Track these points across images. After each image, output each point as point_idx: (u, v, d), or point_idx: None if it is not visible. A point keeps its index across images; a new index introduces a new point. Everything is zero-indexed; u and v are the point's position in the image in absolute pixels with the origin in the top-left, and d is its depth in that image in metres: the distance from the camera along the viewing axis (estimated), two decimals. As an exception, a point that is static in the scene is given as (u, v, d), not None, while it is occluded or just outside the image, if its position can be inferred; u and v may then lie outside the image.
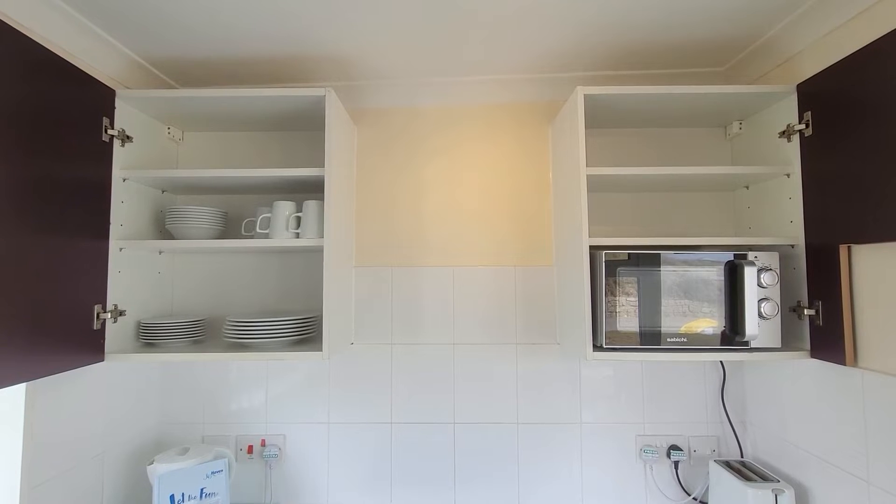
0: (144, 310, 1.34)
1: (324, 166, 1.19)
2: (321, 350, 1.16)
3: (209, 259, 1.50)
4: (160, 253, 1.43)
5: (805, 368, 1.20)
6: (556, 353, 1.46)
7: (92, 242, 1.13)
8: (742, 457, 1.40)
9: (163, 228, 1.38)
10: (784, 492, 1.15)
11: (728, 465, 1.30)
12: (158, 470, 1.18)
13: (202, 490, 1.19)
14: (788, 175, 1.22)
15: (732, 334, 1.14)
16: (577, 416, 1.44)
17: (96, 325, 1.13)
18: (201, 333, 1.34)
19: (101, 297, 1.16)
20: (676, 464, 1.41)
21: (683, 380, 1.44)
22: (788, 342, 1.17)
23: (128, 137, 1.24)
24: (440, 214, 1.51)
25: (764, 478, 1.22)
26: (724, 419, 1.43)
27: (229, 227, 1.41)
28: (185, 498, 1.16)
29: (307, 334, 1.27)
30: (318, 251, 1.21)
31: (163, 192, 1.44)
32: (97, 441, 1.19)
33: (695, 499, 1.41)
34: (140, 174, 1.25)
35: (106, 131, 1.17)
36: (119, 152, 1.22)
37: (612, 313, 1.15)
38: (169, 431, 1.45)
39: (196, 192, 1.49)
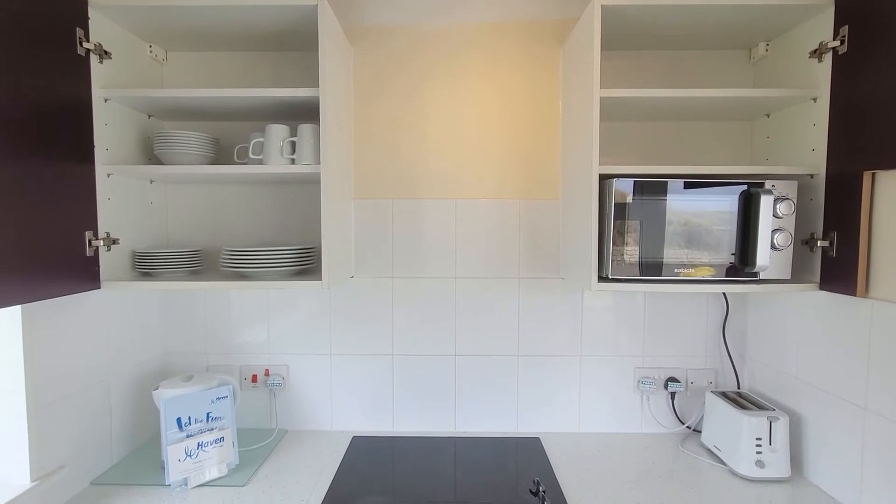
0: (138, 240, 1.31)
1: (317, 85, 1.11)
2: (321, 280, 1.14)
3: (203, 190, 1.44)
4: (151, 182, 1.38)
5: (811, 301, 1.18)
6: (559, 287, 1.45)
7: (77, 167, 1.08)
8: (739, 388, 1.42)
9: (151, 156, 1.32)
10: (779, 419, 1.18)
11: (724, 395, 1.32)
12: (164, 395, 1.19)
13: (208, 414, 1.21)
14: (815, 99, 1.15)
15: (742, 266, 1.11)
16: (577, 349, 1.45)
17: (89, 252, 1.10)
18: (198, 264, 1.32)
19: (92, 224, 1.12)
20: (673, 395, 1.44)
21: (685, 314, 1.44)
22: (797, 275, 1.15)
23: (105, 53, 1.15)
24: (442, 145, 1.44)
25: (759, 406, 1.24)
26: (724, 353, 1.44)
27: (221, 157, 1.34)
28: (192, 421, 1.19)
29: (306, 265, 1.25)
30: (315, 182, 1.16)
31: (149, 116, 1.36)
32: (101, 368, 1.20)
33: (688, 427, 1.45)
34: (122, 93, 1.17)
35: (81, 44, 1.08)
36: (98, 70, 1.13)
37: (619, 243, 1.11)
38: (173, 361, 1.46)
39: (184, 118, 1.41)
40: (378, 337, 1.46)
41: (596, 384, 1.46)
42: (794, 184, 1.11)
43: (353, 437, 1.42)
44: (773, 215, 1.09)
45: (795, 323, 1.23)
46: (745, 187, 1.10)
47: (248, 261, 1.17)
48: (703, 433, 1.36)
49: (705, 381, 1.44)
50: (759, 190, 1.08)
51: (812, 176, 1.14)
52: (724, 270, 1.12)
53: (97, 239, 1.12)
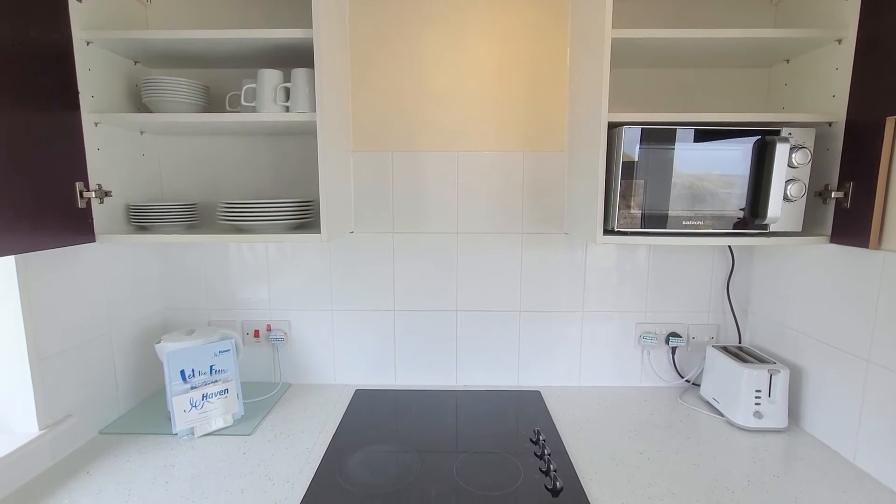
0: (132, 194, 1.27)
1: (311, 27, 1.05)
2: (320, 233, 1.12)
3: (196, 143, 1.40)
4: (141, 133, 1.33)
5: (819, 255, 1.16)
6: (562, 242, 1.42)
7: (62, 115, 1.03)
8: (740, 343, 1.43)
9: (140, 105, 1.26)
10: (780, 372, 1.18)
11: (725, 349, 1.33)
12: (167, 348, 1.20)
13: (211, 367, 1.22)
14: (840, 41, 1.08)
15: (752, 218, 1.08)
16: (579, 305, 1.45)
17: (81, 204, 1.07)
18: (194, 218, 1.29)
19: (82, 175, 1.08)
20: (674, 350, 1.45)
21: (690, 269, 1.42)
22: (808, 228, 1.12)
23: (83, -10, 1.07)
24: (444, 94, 1.37)
25: (760, 360, 1.24)
26: (727, 308, 1.43)
27: (212, 107, 1.29)
28: (195, 374, 1.20)
29: (305, 218, 1.22)
30: (312, 133, 1.11)
31: (135, 63, 1.29)
32: (102, 322, 1.20)
33: (687, 381, 1.46)
34: (105, 34, 1.10)
35: (56, -20, 1.01)
36: (77, 10, 1.06)
37: (626, 195, 1.08)
38: (174, 317, 1.46)
39: (172, 65, 1.34)
40: (379, 292, 1.45)
41: (597, 339, 1.46)
42: (812, 131, 1.06)
43: (356, 391, 1.44)
44: (788, 165, 1.04)
45: (801, 277, 1.22)
46: (759, 136, 1.06)
47: (245, 214, 1.14)
48: (702, 386, 1.38)
49: (706, 337, 1.44)
50: (775, 138, 1.04)
51: (830, 124, 1.09)
52: (733, 223, 1.09)
53: (88, 190, 1.09)
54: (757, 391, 1.18)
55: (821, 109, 1.13)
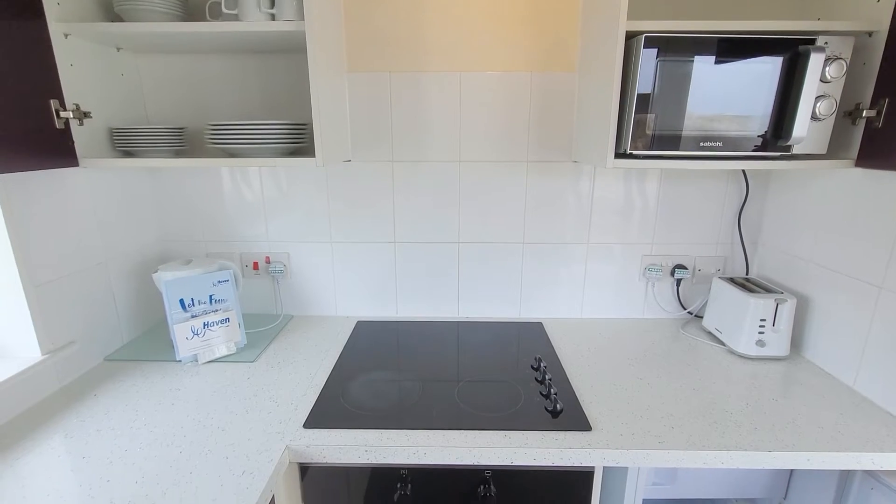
0: (114, 117, 1.20)
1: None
2: (314, 157, 1.05)
3: (179, 63, 1.29)
4: (118, 50, 1.23)
5: (841, 180, 1.10)
6: (570, 172, 1.36)
7: (25, 23, 0.94)
8: (747, 275, 1.40)
9: (114, 17, 1.15)
10: (787, 301, 1.16)
11: (731, 280, 1.30)
12: (164, 277, 1.18)
13: (211, 296, 1.21)
14: (893, -66, 0.95)
15: (774, 139, 1.01)
16: (584, 237, 1.41)
17: (59, 124, 1.00)
18: (182, 143, 1.22)
19: (56, 93, 1.01)
20: (679, 282, 1.43)
21: (701, 199, 1.37)
22: (832, 151, 1.05)
23: None
24: (446, 8, 1.25)
25: (767, 290, 1.22)
26: (736, 240, 1.39)
27: (192, 18, 1.18)
28: (195, 303, 1.19)
29: (298, 143, 1.15)
30: (303, 51, 1.00)
31: (103, -32, 1.17)
32: (96, 251, 1.17)
33: (690, 312, 1.46)
34: (63, -71, 0.98)
35: None
36: None
37: (641, 113, 1.00)
38: (171, 248, 1.44)
39: (145, -28, 1.21)
40: (379, 224, 1.41)
41: (601, 271, 1.44)
42: (851, 41, 0.96)
43: (358, 322, 1.44)
44: (820, 79, 0.96)
45: (819, 204, 1.16)
46: (790, 46, 0.96)
47: (235, 136, 1.07)
48: (704, 318, 1.37)
49: (713, 269, 1.42)
50: (809, 47, 0.94)
51: (871, 34, 0.99)
52: (753, 145, 1.02)
53: (65, 110, 1.02)
54: (762, 320, 1.17)
55: (863, 16, 1.02)
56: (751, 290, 1.22)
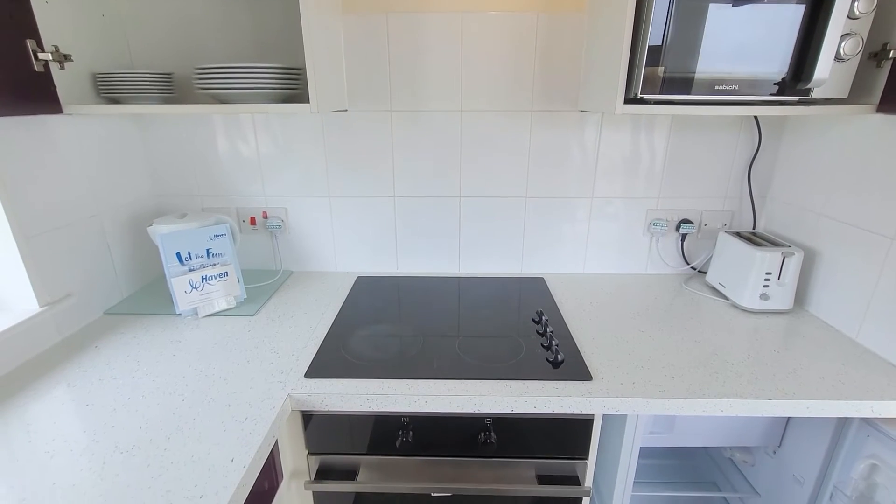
0: (97, 62, 1.14)
1: None
2: (308, 103, 1.01)
3: (165, 6, 1.22)
4: (96, -12, 1.15)
5: (859, 127, 1.05)
6: (575, 122, 1.31)
7: (-8, -48, 0.87)
8: (754, 229, 1.38)
9: (89, -50, 1.07)
10: (794, 254, 1.14)
11: (738, 234, 1.28)
12: (160, 230, 1.16)
13: (208, 250, 1.19)
14: None
15: (794, 81, 0.96)
16: (589, 191, 1.37)
17: (37, 67, 0.95)
18: (170, 90, 1.17)
19: (32, 33, 0.95)
20: (684, 237, 1.40)
21: (711, 150, 1.32)
22: (853, 96, 1.00)
23: None
24: (445, -61, 1.16)
25: (774, 244, 1.20)
26: (744, 194, 1.36)
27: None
28: (192, 256, 1.17)
29: (292, 88, 1.10)
30: None
31: None
32: (88, 203, 1.14)
33: (693, 268, 1.44)
34: None
35: None
36: None
37: (654, 54, 0.94)
38: (166, 202, 1.41)
39: None
40: (378, 178, 1.37)
41: (605, 226, 1.41)
42: (884, -28, 0.89)
43: (358, 277, 1.43)
44: (848, 16, 0.89)
45: (834, 154, 1.12)
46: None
47: (224, 80, 1.02)
48: (708, 273, 1.35)
49: (719, 224, 1.39)
50: (839, -22, 0.87)
51: (906, -35, 0.92)
52: (774, 87, 0.96)
53: (43, 51, 0.96)
54: (767, 273, 1.16)
55: (898, -55, 0.94)
56: (757, 244, 1.20)
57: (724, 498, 1.34)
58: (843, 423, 0.96)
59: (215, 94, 1.04)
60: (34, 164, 1.00)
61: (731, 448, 1.25)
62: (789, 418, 1.07)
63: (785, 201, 1.29)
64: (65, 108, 1.01)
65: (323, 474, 0.97)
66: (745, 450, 1.23)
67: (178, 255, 1.15)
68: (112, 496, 0.64)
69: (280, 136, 1.34)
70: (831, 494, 0.96)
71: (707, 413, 0.86)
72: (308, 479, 0.97)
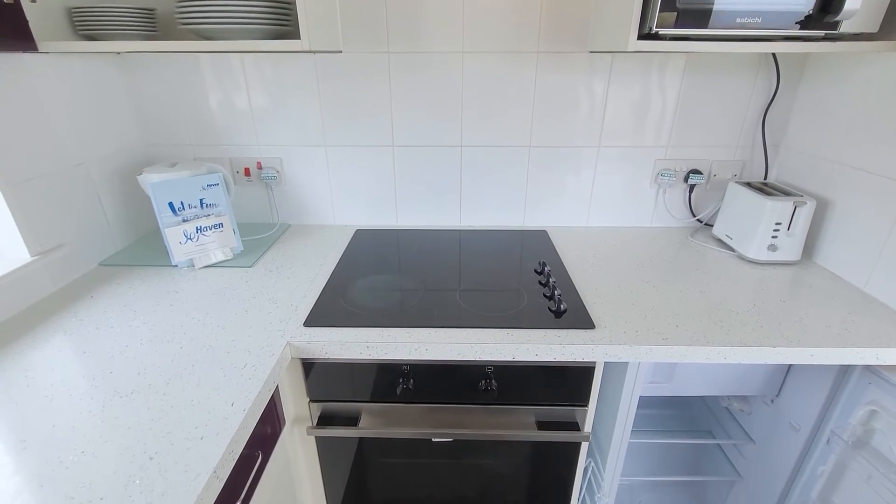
0: (72, -4, 1.06)
1: None
2: (300, 39, 0.94)
3: (139, -68, 1.12)
4: (65, -88, 1.05)
5: (884, 67, 0.99)
6: (584, 65, 1.23)
7: None
8: (765, 179, 1.33)
9: None
10: (806, 203, 1.11)
11: (748, 184, 1.24)
12: (150, 179, 1.12)
13: (202, 201, 1.16)
14: None
15: (822, 14, 0.89)
16: (595, 140, 1.32)
17: (6, -2, 0.88)
18: (152, 27, 1.09)
19: (-3, -42, 0.87)
20: (692, 188, 1.36)
21: (725, 95, 1.26)
22: (883, 31, 0.93)
23: None
24: None
25: (785, 193, 1.16)
26: (757, 142, 1.30)
27: None
28: (185, 206, 1.14)
29: (282, 25, 1.02)
30: None
31: None
32: (73, 151, 1.09)
33: (699, 220, 1.41)
34: None
35: None
36: None
37: (672, -18, 0.87)
38: (155, 152, 1.36)
39: None
40: (375, 125, 1.32)
41: (611, 177, 1.37)
42: None
43: (357, 230, 1.40)
44: (886, -64, 0.82)
45: (856, 97, 1.06)
46: None
47: (209, 13, 0.95)
48: (715, 225, 1.32)
49: (729, 174, 1.34)
50: None
51: None
52: (796, 21, 0.90)
53: (10, -20, 0.89)
54: (777, 224, 1.12)
55: None
56: (768, 194, 1.16)
57: (719, 445, 1.37)
58: (844, 371, 0.96)
59: (199, 31, 0.98)
60: (11, 106, 0.95)
61: (728, 397, 1.27)
62: (790, 368, 1.07)
63: (799, 150, 1.24)
64: (39, 46, 0.95)
65: (325, 420, 0.98)
66: (743, 399, 1.25)
67: (171, 205, 1.12)
68: (113, 437, 0.64)
69: (272, 81, 1.27)
70: (828, 439, 0.97)
71: (710, 361, 0.86)
72: (310, 424, 0.98)
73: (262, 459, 0.81)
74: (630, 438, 1.10)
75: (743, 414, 1.27)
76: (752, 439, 1.23)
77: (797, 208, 1.11)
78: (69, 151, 1.08)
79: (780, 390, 1.12)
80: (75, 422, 0.67)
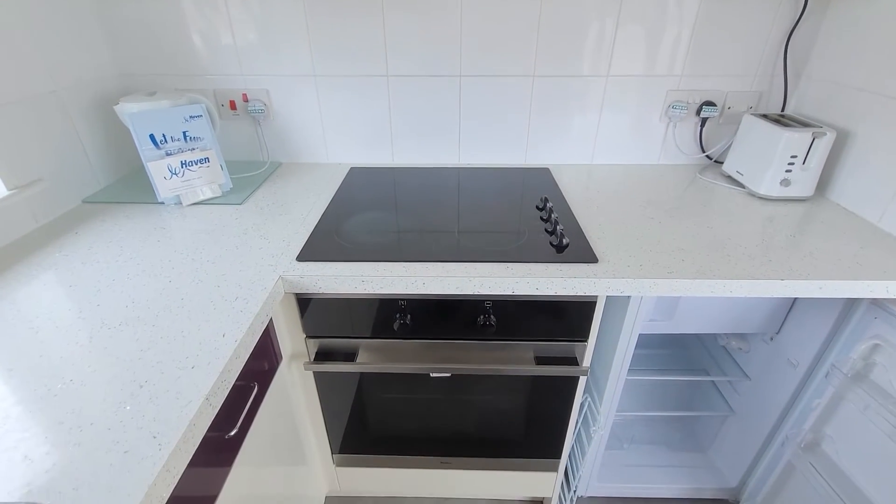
0: None
1: None
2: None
3: None
4: None
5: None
6: (595, -19, 1.13)
7: None
8: (783, 111, 1.26)
9: None
10: (825, 134, 1.04)
11: (764, 116, 1.17)
12: (127, 108, 1.05)
13: (185, 133, 1.09)
14: None
15: None
16: (604, 68, 1.23)
17: None
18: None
19: None
20: (704, 121, 1.29)
21: (747, 17, 1.16)
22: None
23: None
24: None
25: (803, 125, 1.10)
26: (777, 71, 1.22)
27: None
28: (168, 139, 1.07)
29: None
30: None
31: None
32: (42, 76, 1.01)
33: (709, 157, 1.35)
34: None
35: None
36: None
37: None
38: (133, 83, 1.27)
39: None
40: (368, 53, 1.22)
41: (618, 111, 1.29)
42: None
43: (351, 168, 1.34)
44: None
45: (888, 20, 0.97)
46: None
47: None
48: (726, 162, 1.26)
49: (744, 106, 1.27)
50: None
51: None
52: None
53: None
54: (792, 157, 1.07)
55: None
56: (785, 125, 1.09)
57: (713, 382, 1.39)
58: (849, 306, 0.94)
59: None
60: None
61: (727, 336, 1.27)
62: (793, 304, 1.05)
63: (821, 78, 1.16)
64: (-11, -49, 0.85)
65: (322, 356, 0.97)
66: (742, 337, 1.24)
67: (152, 137, 1.06)
68: (101, 366, 0.62)
69: (256, 2, 1.16)
70: (827, 373, 0.97)
71: (715, 294, 0.84)
72: (307, 360, 0.97)
73: (259, 391, 0.80)
74: (627, 376, 1.11)
75: (740, 352, 1.27)
76: (747, 376, 1.24)
77: (815, 139, 1.05)
78: (38, 77, 1.00)
79: (780, 327, 1.11)
80: (63, 352, 0.65)
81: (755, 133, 1.15)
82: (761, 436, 1.18)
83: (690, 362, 1.49)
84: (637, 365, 1.48)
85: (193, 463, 0.60)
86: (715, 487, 1.33)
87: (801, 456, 1.04)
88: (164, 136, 1.07)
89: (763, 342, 1.18)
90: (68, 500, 0.46)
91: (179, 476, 0.52)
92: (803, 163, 1.07)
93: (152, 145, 1.06)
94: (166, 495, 0.50)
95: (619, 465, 1.37)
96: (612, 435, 1.44)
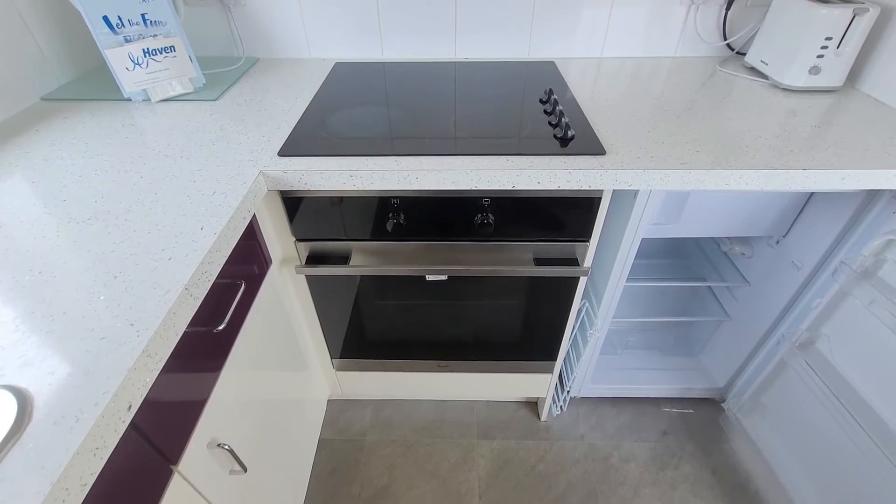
0: None
1: None
2: None
3: None
4: None
5: None
6: None
7: None
8: (820, -12, 1.11)
9: None
10: (868, 10, 0.92)
11: (801, -6, 1.03)
12: (72, -15, 0.91)
13: (143, 16, 0.96)
14: None
15: None
16: (621, -64, 1.07)
17: None
18: None
19: None
20: (730, 3, 1.15)
21: None
22: None
23: None
24: None
25: (844, 2, 0.97)
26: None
27: None
28: (125, 23, 0.94)
29: None
30: None
31: None
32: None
33: (731, 48, 1.22)
34: None
35: None
36: None
37: None
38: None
39: None
40: (348, -82, 1.05)
41: (635, -8, 1.14)
42: None
43: (336, 63, 1.21)
44: None
45: None
46: None
47: None
48: (749, 52, 1.14)
49: (778, -16, 1.12)
50: None
51: None
52: None
53: None
54: (826, 39, 0.96)
55: None
56: (823, 1, 0.97)
57: (710, 288, 1.39)
58: (867, 201, 0.89)
59: None
60: None
61: (730, 240, 1.23)
62: (807, 202, 1.00)
63: (872, -55, 1.00)
64: None
65: (314, 260, 0.94)
66: (745, 242, 1.21)
67: (107, 19, 0.93)
68: (71, 258, 0.58)
69: None
70: (834, 270, 0.95)
71: (730, 187, 0.78)
72: (298, 263, 0.94)
73: (248, 291, 0.78)
74: (626, 282, 1.09)
75: (743, 258, 1.25)
76: (747, 281, 1.23)
77: (856, 17, 0.93)
78: (-40, -56, 0.86)
79: (789, 230, 1.07)
80: (28, 246, 0.61)
81: (787, 14, 1.03)
82: (755, 338, 1.20)
83: (689, 271, 1.48)
84: (636, 274, 1.47)
85: (181, 356, 0.59)
86: (703, 388, 1.37)
87: (796, 353, 1.05)
88: (119, 18, 0.94)
89: (768, 246, 1.15)
90: (45, 385, 0.44)
91: (163, 362, 0.50)
92: (837, 46, 0.96)
93: (108, 29, 0.93)
94: (150, 380, 0.48)
95: (612, 369, 1.41)
96: (606, 341, 1.46)
